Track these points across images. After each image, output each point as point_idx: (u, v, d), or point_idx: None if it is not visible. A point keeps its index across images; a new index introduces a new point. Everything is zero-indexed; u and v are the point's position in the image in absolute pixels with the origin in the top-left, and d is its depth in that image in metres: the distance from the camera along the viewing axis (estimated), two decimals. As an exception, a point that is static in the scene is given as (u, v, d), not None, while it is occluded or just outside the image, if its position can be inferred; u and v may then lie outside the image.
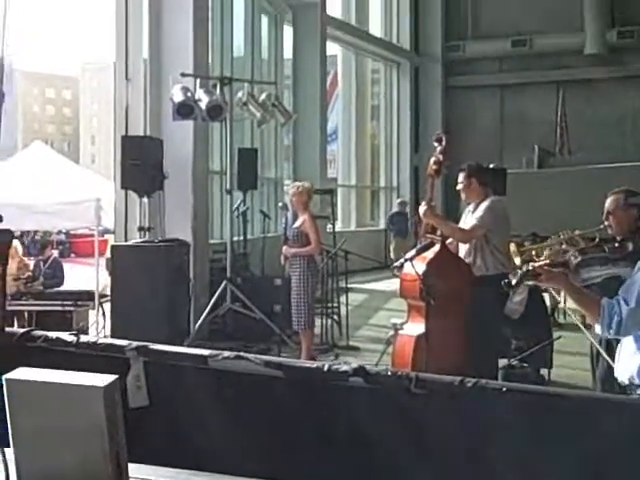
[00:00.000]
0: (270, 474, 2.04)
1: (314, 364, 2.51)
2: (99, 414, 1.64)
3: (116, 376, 1.70)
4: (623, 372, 3.24)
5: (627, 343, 3.26)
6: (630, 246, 3.26)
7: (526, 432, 2.17)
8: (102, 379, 1.67)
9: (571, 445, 2.13)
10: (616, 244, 4.69)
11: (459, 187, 6.49)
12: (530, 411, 2.17)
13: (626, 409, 2.17)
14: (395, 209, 18.04)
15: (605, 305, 3.17)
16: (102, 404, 1.63)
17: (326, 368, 2.43)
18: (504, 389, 2.19)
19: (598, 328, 3.22)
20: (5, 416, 1.82)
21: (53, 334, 3.04)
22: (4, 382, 1.72)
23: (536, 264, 3.47)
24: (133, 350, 2.81)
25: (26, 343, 3.09)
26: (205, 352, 2.70)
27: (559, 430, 2.17)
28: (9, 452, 1.87)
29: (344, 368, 2.39)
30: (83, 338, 2.98)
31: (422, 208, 6.29)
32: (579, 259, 3.30)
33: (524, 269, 3.41)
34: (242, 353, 2.64)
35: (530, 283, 3.46)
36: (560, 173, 17.17)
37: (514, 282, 3.33)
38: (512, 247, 6.09)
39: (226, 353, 2.66)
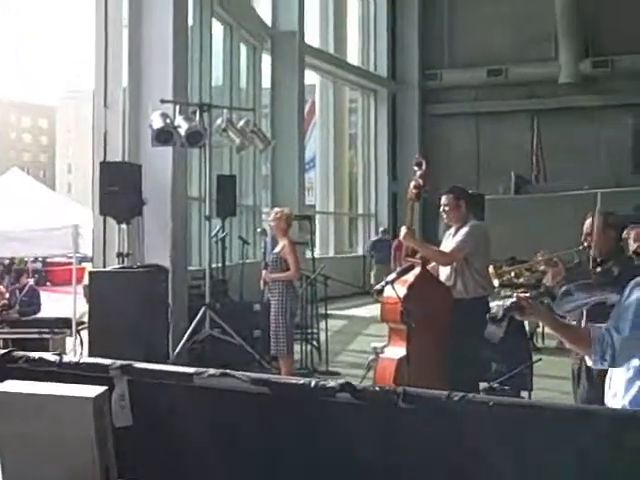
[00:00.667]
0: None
1: (301, 380, 2.50)
2: (88, 425, 1.63)
3: (105, 387, 1.69)
4: (614, 401, 3.16)
5: (617, 371, 3.17)
6: (616, 271, 3.25)
7: (512, 446, 2.18)
8: (91, 390, 1.66)
9: (558, 457, 2.14)
10: (598, 268, 4.71)
11: (443, 209, 6.52)
12: (517, 425, 2.18)
13: (612, 420, 2.18)
14: (378, 236, 18.12)
15: (596, 338, 3.09)
16: (92, 415, 1.62)
17: (313, 384, 2.42)
18: (491, 403, 2.20)
19: (589, 360, 3.15)
20: None
21: (35, 354, 3.00)
22: (-8, 395, 1.71)
23: (521, 297, 3.45)
24: (117, 369, 2.77)
25: (6, 364, 3.05)
26: (190, 370, 2.68)
27: (545, 443, 2.17)
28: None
29: (331, 384, 2.38)
30: (65, 358, 2.94)
31: (402, 231, 6.33)
32: (564, 288, 3.29)
33: (508, 303, 3.40)
34: (228, 370, 2.63)
35: (515, 317, 3.45)
36: (537, 199, 17.36)
37: (499, 316, 3.32)
38: (490, 269, 6.13)
39: (212, 370, 2.64)
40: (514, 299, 3.32)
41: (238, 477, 2.53)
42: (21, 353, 3.06)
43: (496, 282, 6.16)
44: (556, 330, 3.33)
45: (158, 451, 2.73)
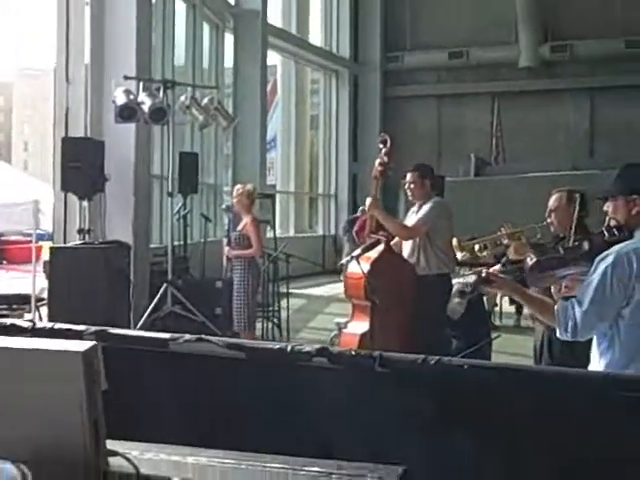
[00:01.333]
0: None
1: (277, 345, 2.54)
2: (78, 381, 1.64)
3: (95, 342, 1.70)
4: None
5: (594, 347, 3.28)
6: (586, 245, 3.32)
7: (489, 406, 2.24)
8: (81, 344, 1.67)
9: (531, 418, 2.21)
10: (570, 243, 4.79)
11: (408, 186, 6.59)
12: (492, 386, 2.24)
13: (585, 381, 2.26)
14: (357, 214, 18.05)
15: (560, 309, 3.19)
16: (81, 370, 1.63)
17: (289, 349, 2.46)
18: (465, 366, 2.25)
19: (557, 331, 3.26)
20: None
21: (7, 320, 3.00)
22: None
23: (489, 271, 3.51)
24: (91, 334, 2.79)
25: (-21, 331, 3.04)
26: (166, 335, 2.71)
27: (520, 403, 2.24)
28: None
29: (307, 349, 2.42)
30: (39, 324, 2.95)
31: (368, 201, 6.38)
32: (534, 260, 3.35)
33: (477, 276, 3.45)
34: (203, 335, 2.66)
35: (484, 290, 3.51)
36: (496, 181, 17.54)
37: (468, 289, 3.39)
38: (454, 242, 6.21)
39: (187, 336, 2.67)
40: (484, 273, 3.38)
41: (214, 443, 2.56)
42: (-7, 320, 3.05)
43: (459, 255, 6.23)
44: (525, 301, 3.43)
45: (132, 418, 2.75)
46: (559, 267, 3.39)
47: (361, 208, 18.62)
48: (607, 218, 3.37)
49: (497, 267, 3.64)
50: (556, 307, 3.24)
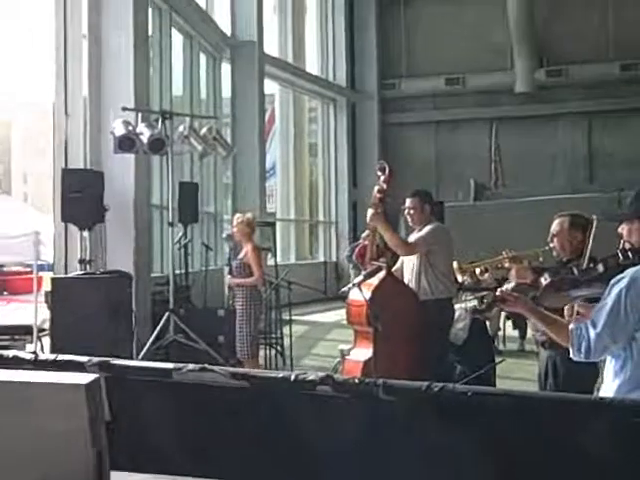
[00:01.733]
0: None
1: (280, 374, 2.53)
2: (81, 413, 1.63)
3: (98, 375, 1.69)
4: (602, 392, 3.30)
5: (608, 366, 3.30)
6: (600, 267, 3.33)
7: (494, 435, 2.22)
8: (83, 377, 1.66)
9: (538, 445, 2.20)
10: (584, 266, 4.79)
11: (408, 211, 6.60)
12: (497, 414, 2.23)
13: (592, 407, 2.25)
14: (359, 241, 18.06)
15: (574, 330, 3.21)
16: (84, 402, 1.63)
17: (293, 378, 2.44)
18: (469, 393, 2.24)
19: (571, 351, 3.27)
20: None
21: (9, 352, 2.99)
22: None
23: (504, 289, 3.52)
24: (94, 366, 2.77)
25: (-20, 363, 3.03)
26: (169, 365, 2.69)
27: (526, 430, 2.23)
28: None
29: (311, 377, 2.41)
30: (42, 356, 2.94)
31: (369, 212, 6.37)
32: (548, 280, 3.36)
33: (492, 295, 3.47)
34: (207, 365, 2.64)
35: (497, 307, 3.52)
36: (495, 205, 17.58)
37: (483, 307, 3.41)
38: (455, 264, 6.21)
39: (190, 366, 2.65)
40: (498, 292, 3.40)
41: (219, 474, 2.55)
42: (-6, 352, 3.04)
43: (460, 278, 6.22)
44: (540, 321, 3.44)
45: (135, 449, 2.73)
46: (573, 288, 3.40)
47: (363, 235, 18.72)
48: (622, 241, 3.38)
49: (509, 286, 3.65)
50: (570, 327, 3.25)
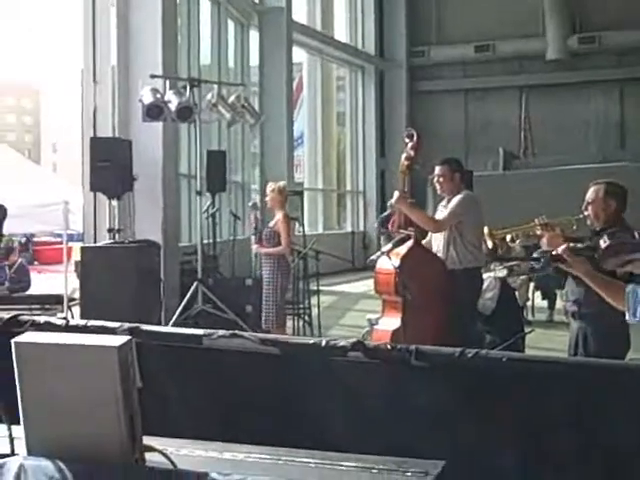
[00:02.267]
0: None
1: (311, 340, 2.51)
2: (113, 375, 1.63)
3: (130, 337, 1.68)
4: None
5: None
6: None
7: (527, 400, 2.20)
8: (115, 339, 1.65)
9: (570, 410, 2.17)
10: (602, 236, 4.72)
11: (437, 179, 6.53)
12: (530, 379, 2.20)
13: (623, 374, 2.21)
14: (388, 211, 17.97)
15: (630, 292, 3.17)
16: (117, 364, 1.62)
17: (324, 344, 2.43)
18: (504, 359, 2.21)
19: (627, 315, 3.22)
20: (12, 392, 1.79)
21: (41, 318, 3.00)
22: (13, 346, 1.69)
23: (560, 250, 3.49)
24: (125, 331, 2.78)
25: (12, 329, 3.04)
26: (199, 331, 2.69)
27: (559, 395, 2.20)
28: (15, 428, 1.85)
29: (342, 343, 2.39)
30: (72, 321, 2.95)
31: (395, 195, 6.33)
32: (607, 243, 3.32)
33: (549, 254, 3.46)
34: (237, 331, 2.64)
35: (555, 266, 3.50)
36: (525, 175, 17.41)
37: (539, 266, 3.39)
38: (485, 230, 6.13)
39: (221, 332, 2.65)
40: (560, 250, 3.38)
41: (248, 438, 2.54)
42: (27, 317, 3.06)
43: (490, 243, 6.15)
44: (595, 284, 3.41)
45: (167, 414, 2.73)
46: (632, 252, 3.36)
47: (389, 203, 18.59)
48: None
49: (563, 247, 3.60)
50: (627, 289, 3.20)
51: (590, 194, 4.87)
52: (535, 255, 4.72)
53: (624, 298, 3.20)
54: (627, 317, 3.21)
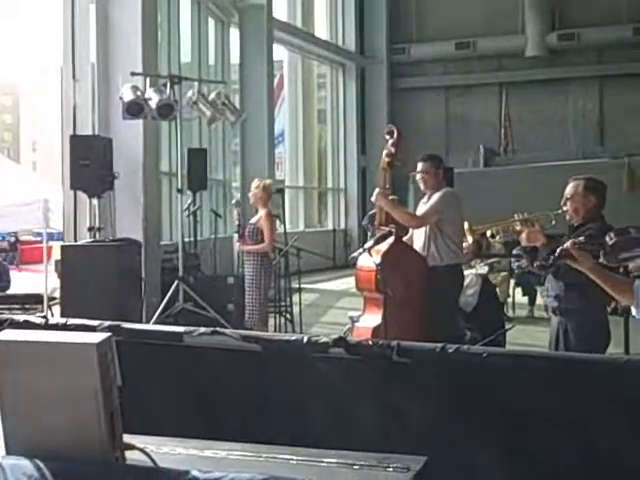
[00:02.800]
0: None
1: (293, 336, 2.51)
2: (92, 372, 1.61)
3: (109, 334, 1.67)
4: None
5: None
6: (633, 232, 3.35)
7: (509, 395, 2.20)
8: (95, 336, 1.64)
9: (552, 405, 2.18)
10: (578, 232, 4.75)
11: (422, 176, 6.54)
12: (512, 374, 2.20)
13: (604, 368, 2.22)
14: (374, 210, 17.95)
15: (638, 287, 3.20)
16: (96, 361, 1.61)
17: (305, 340, 2.42)
18: (485, 354, 2.21)
19: (634, 310, 3.25)
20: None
21: (20, 317, 2.98)
22: (-10, 344, 1.68)
23: (569, 245, 3.53)
24: (105, 329, 2.76)
25: (-9, 328, 3.02)
26: (180, 329, 2.68)
27: (543, 388, 2.20)
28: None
29: (324, 339, 2.39)
30: (52, 320, 2.93)
31: (375, 192, 6.35)
32: (614, 240, 3.36)
33: (558, 250, 3.51)
34: (218, 328, 2.63)
35: (562, 262, 3.54)
36: (505, 171, 17.48)
37: (547, 263, 3.44)
38: (466, 225, 6.16)
39: (202, 329, 2.64)
40: (566, 246, 3.41)
41: (231, 436, 2.53)
42: (5, 316, 3.04)
43: (470, 239, 6.18)
44: (602, 280, 3.44)
45: (147, 412, 2.72)
46: (638, 247, 3.39)
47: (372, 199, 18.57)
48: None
49: (569, 243, 3.63)
50: (635, 284, 3.23)
51: (569, 189, 4.90)
52: (515, 252, 4.75)
53: (629, 293, 3.23)
54: (635, 312, 3.24)
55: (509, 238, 5.33)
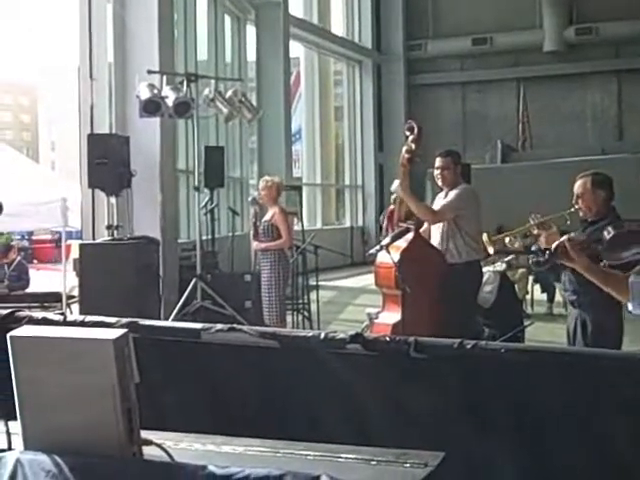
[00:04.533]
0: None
1: (310, 333, 2.50)
2: (110, 368, 1.61)
3: (126, 330, 1.67)
4: None
5: None
6: None
7: (527, 391, 2.19)
8: (112, 332, 1.64)
9: (571, 398, 2.16)
10: (590, 228, 4.74)
11: (441, 172, 6.49)
12: (530, 369, 2.19)
13: (623, 363, 2.20)
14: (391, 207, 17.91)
15: (634, 283, 3.19)
16: (113, 357, 1.61)
17: (322, 336, 2.42)
18: (503, 350, 2.20)
19: (630, 306, 3.24)
20: (8, 387, 1.78)
21: (38, 314, 2.99)
22: (8, 340, 1.68)
23: (567, 244, 3.53)
24: (122, 326, 2.77)
25: (10, 325, 3.03)
26: (198, 325, 2.68)
27: (559, 384, 2.19)
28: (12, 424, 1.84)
29: (341, 336, 2.38)
30: (70, 317, 2.93)
31: (395, 183, 6.31)
32: (612, 234, 3.36)
33: (553, 246, 3.52)
34: (235, 325, 2.63)
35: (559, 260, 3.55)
36: (523, 167, 17.38)
37: (543, 260, 3.43)
38: (484, 237, 6.13)
39: (219, 326, 2.64)
40: (566, 243, 3.40)
41: (247, 432, 2.53)
42: (24, 313, 3.05)
43: (491, 250, 6.15)
44: (597, 277, 3.45)
45: (165, 409, 2.72)
46: (636, 243, 3.37)
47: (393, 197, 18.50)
48: None
49: (566, 237, 3.63)
50: (630, 280, 3.22)
51: (578, 187, 4.93)
52: (534, 248, 4.74)
53: (626, 289, 3.20)
54: (631, 307, 3.23)
55: (528, 243, 5.32)
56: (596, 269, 3.50)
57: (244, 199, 15.16)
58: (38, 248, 29.27)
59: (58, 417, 1.73)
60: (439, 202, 6.54)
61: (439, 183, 6.59)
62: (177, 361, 2.74)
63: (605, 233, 3.43)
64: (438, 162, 6.53)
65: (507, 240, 5.85)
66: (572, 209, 4.97)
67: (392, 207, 6.84)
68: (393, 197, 6.67)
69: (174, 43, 11.79)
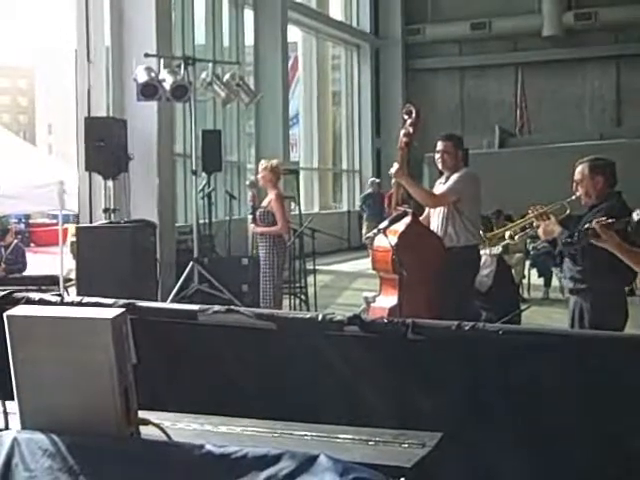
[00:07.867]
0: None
1: (307, 314, 2.50)
2: (107, 347, 1.61)
3: (123, 309, 1.67)
4: None
5: None
6: None
7: (524, 372, 2.19)
8: (109, 311, 1.64)
9: (568, 382, 2.16)
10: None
11: (442, 155, 6.45)
12: (527, 351, 2.19)
13: (621, 345, 2.20)
14: (368, 190, 17.92)
15: None
16: (110, 336, 1.60)
17: (320, 318, 2.41)
18: (500, 331, 2.20)
19: None
20: (5, 366, 1.78)
21: (36, 295, 2.99)
22: (5, 319, 1.68)
23: (597, 225, 3.60)
24: (120, 308, 2.76)
25: (6, 306, 3.03)
26: (194, 307, 2.67)
27: (559, 366, 2.19)
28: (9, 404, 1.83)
29: (339, 317, 2.38)
30: (67, 298, 2.93)
31: (394, 167, 6.28)
32: None
33: (585, 228, 3.59)
34: (232, 307, 2.62)
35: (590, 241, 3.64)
36: (521, 152, 17.38)
37: (574, 240, 3.53)
38: (480, 234, 6.12)
39: (216, 307, 2.63)
40: (596, 225, 3.47)
41: (244, 412, 2.53)
42: (21, 294, 3.05)
43: (495, 250, 6.14)
44: (628, 257, 3.54)
45: (162, 389, 2.73)
46: None
47: (370, 180, 18.47)
48: None
49: (595, 222, 3.68)
50: None
51: (576, 174, 4.92)
52: (532, 245, 4.78)
53: None
54: None
55: (528, 234, 5.29)
56: (627, 248, 3.61)
57: (241, 183, 15.15)
58: (35, 231, 29.24)
59: (55, 396, 1.72)
60: (439, 187, 6.52)
61: (439, 167, 6.55)
62: (174, 343, 2.74)
63: (634, 215, 3.49)
64: (439, 145, 6.49)
65: (506, 235, 5.83)
66: (573, 197, 4.95)
67: (392, 191, 6.81)
68: (393, 181, 6.64)
69: (172, 26, 11.74)
